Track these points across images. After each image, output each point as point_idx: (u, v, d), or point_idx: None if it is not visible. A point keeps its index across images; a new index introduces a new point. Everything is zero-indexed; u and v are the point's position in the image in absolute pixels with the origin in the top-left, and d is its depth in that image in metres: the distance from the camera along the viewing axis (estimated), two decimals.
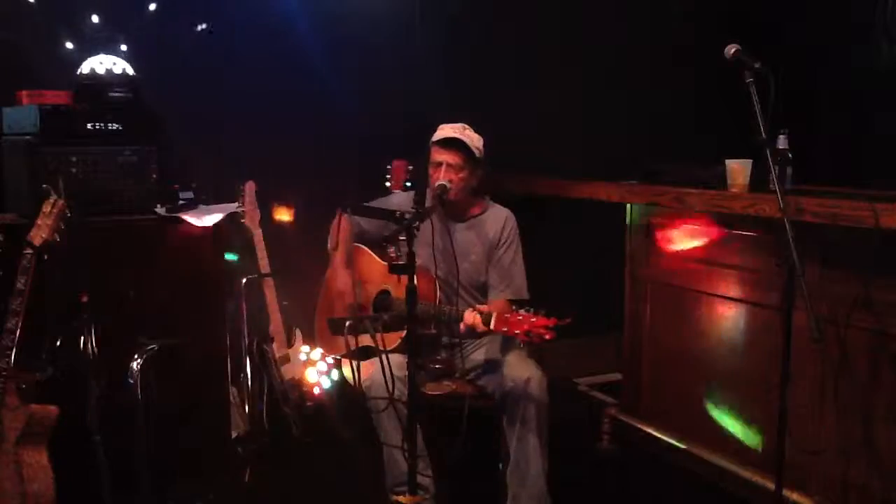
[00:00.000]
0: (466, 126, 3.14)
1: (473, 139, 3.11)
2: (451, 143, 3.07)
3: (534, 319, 2.65)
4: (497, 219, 3.22)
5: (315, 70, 3.92)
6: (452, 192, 3.06)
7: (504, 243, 3.18)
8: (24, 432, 2.59)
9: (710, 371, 3.28)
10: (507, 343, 3.07)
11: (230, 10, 3.79)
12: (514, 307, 2.83)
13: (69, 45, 3.48)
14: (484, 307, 2.86)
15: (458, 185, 3.08)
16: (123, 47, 3.49)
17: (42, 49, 3.42)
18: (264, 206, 3.56)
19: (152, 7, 3.67)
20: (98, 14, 3.54)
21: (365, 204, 3.29)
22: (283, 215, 3.97)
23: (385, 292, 3.18)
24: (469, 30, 4.28)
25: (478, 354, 3.15)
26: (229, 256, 3.41)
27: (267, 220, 3.60)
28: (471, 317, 2.83)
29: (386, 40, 4.06)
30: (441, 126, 3.16)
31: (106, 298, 2.91)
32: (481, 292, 3.20)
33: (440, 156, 3.09)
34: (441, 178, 3.05)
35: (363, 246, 3.33)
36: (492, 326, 2.75)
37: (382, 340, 2.60)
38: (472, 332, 2.88)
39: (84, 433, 2.77)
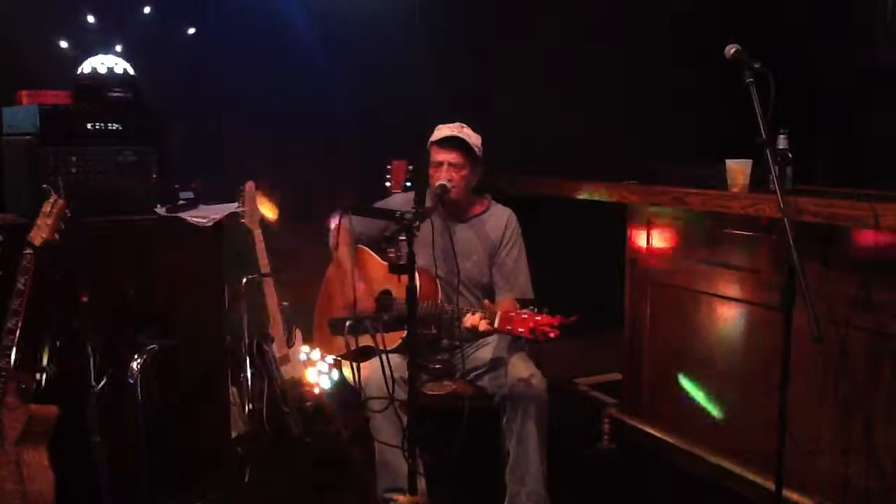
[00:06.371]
0: (464, 125, 3.14)
1: (472, 137, 3.11)
2: (452, 142, 3.07)
3: (538, 318, 2.63)
4: (499, 218, 3.21)
5: (315, 70, 3.91)
6: (454, 191, 3.06)
7: (507, 244, 3.18)
8: (24, 432, 2.59)
9: (711, 371, 3.28)
10: (508, 343, 3.06)
11: (229, 10, 3.79)
12: (519, 306, 2.83)
13: (64, 45, 3.48)
14: (490, 305, 2.85)
15: (459, 184, 3.08)
16: (118, 48, 3.49)
17: (42, 49, 3.41)
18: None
19: (147, 10, 3.66)
20: (95, 14, 3.54)
21: (365, 205, 3.28)
22: (282, 214, 3.96)
23: (386, 292, 3.18)
24: (469, 30, 4.28)
25: (478, 354, 3.14)
26: (229, 257, 3.41)
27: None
28: (472, 318, 2.83)
29: (385, 40, 4.06)
30: (438, 126, 3.16)
31: (106, 298, 2.91)
32: (483, 292, 3.20)
33: (441, 155, 3.09)
34: (442, 178, 3.04)
35: (364, 246, 3.33)
36: (496, 325, 2.75)
37: (383, 340, 2.60)
38: (475, 333, 2.87)
39: (84, 433, 2.76)
